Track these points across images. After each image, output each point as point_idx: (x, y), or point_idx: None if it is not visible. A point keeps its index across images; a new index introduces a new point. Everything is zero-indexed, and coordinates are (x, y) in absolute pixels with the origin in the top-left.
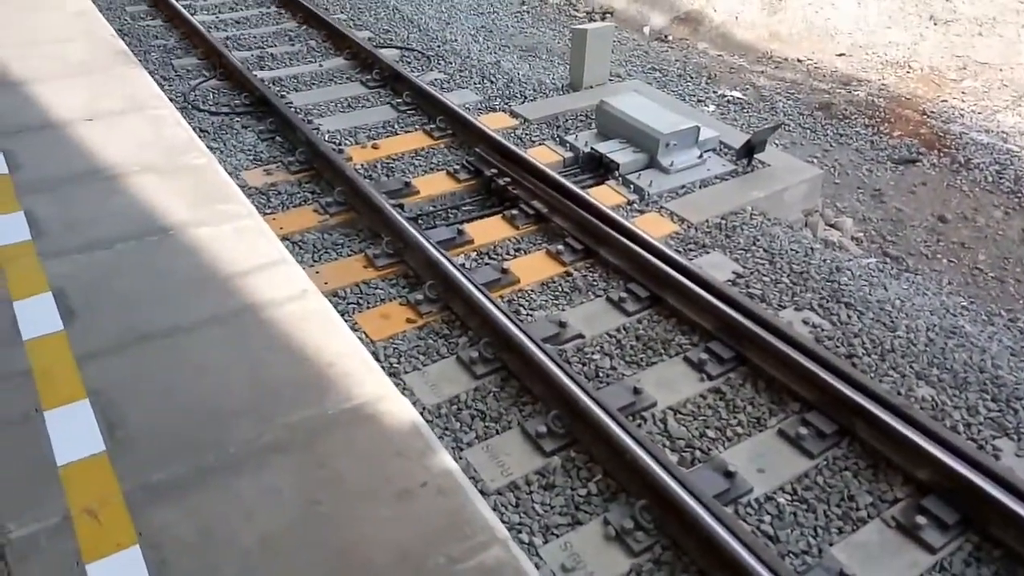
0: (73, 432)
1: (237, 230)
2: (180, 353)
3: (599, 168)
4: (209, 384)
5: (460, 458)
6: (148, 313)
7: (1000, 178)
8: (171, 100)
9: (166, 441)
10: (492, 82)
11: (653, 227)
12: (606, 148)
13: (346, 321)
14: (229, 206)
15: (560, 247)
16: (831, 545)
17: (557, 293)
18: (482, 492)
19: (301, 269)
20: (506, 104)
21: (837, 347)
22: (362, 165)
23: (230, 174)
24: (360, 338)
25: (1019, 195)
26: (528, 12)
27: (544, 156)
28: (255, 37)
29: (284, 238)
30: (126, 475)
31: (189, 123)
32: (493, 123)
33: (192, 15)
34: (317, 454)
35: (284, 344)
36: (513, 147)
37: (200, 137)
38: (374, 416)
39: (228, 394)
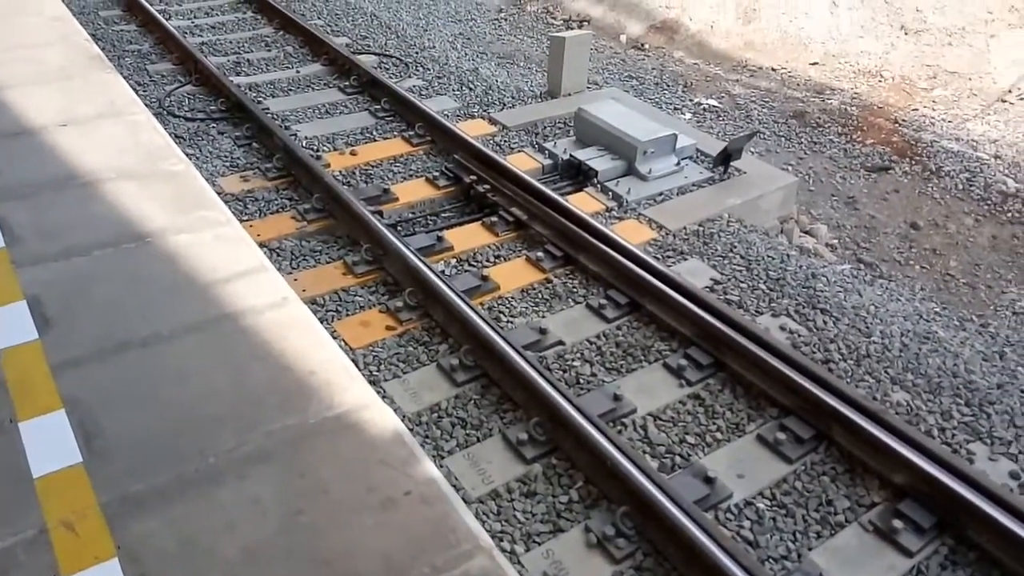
0: (49, 443)
1: (216, 237)
2: (159, 361)
3: (578, 175)
4: (189, 393)
5: (441, 466)
6: (126, 321)
7: (970, 186)
8: (147, 105)
9: (145, 451)
10: (470, 89)
11: (632, 234)
12: (584, 155)
13: (325, 329)
14: (208, 213)
15: (540, 254)
16: (810, 550)
17: (537, 300)
18: (463, 500)
19: (281, 277)
20: (484, 111)
21: (813, 352)
22: (340, 172)
23: (207, 180)
24: (339, 346)
25: (989, 202)
26: (506, 19)
27: (523, 163)
28: (231, 42)
29: (262, 245)
30: (104, 486)
31: (164, 129)
32: (472, 130)
33: (167, 20)
34: (300, 463)
35: (265, 352)
36: (492, 154)
37: (176, 143)
38: (357, 424)
39: (208, 403)
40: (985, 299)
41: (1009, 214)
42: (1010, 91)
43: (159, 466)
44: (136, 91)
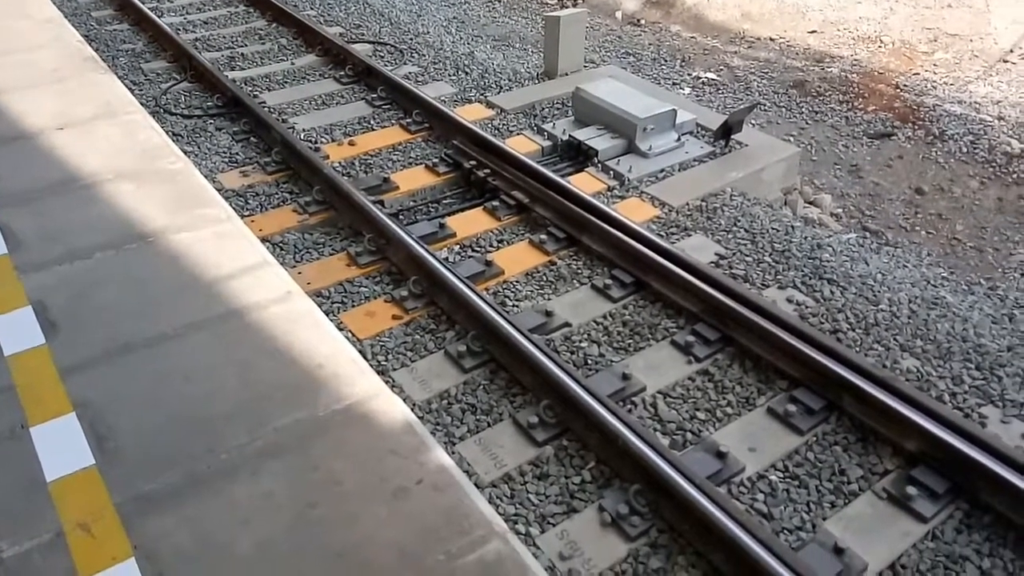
0: (61, 447)
1: (217, 234)
2: (166, 361)
3: (578, 155)
4: (198, 391)
5: (453, 452)
6: (131, 322)
7: (974, 148)
8: (142, 105)
9: (157, 450)
10: (467, 73)
11: (634, 212)
12: (584, 135)
13: (331, 320)
14: (208, 210)
15: (543, 236)
16: (824, 520)
17: (542, 283)
18: (476, 486)
19: (284, 271)
20: (482, 95)
21: (822, 323)
22: (340, 163)
23: (206, 177)
24: (346, 337)
25: (994, 164)
26: (500, 1)
27: (522, 146)
28: (224, 37)
29: (264, 240)
30: (117, 487)
31: (162, 127)
32: (470, 115)
33: (159, 17)
34: (311, 456)
35: (272, 347)
36: (491, 138)
37: (174, 141)
38: (366, 415)
39: (218, 400)
40: (993, 262)
41: (1014, 175)
42: (1012, 51)
43: (171, 465)
44: (132, 90)
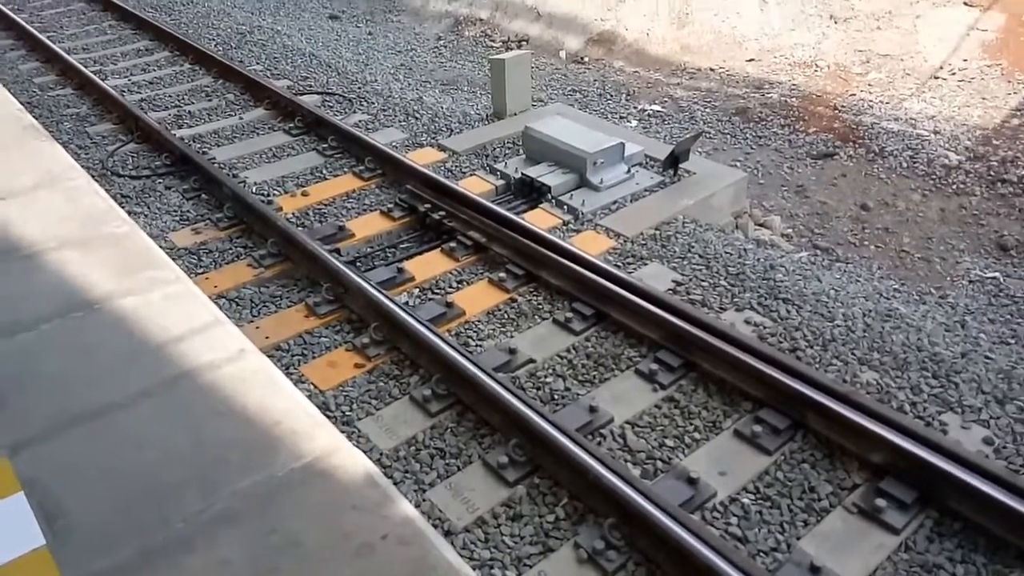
0: (10, 528)
1: (165, 296)
2: (117, 431)
3: (531, 193)
4: (151, 459)
5: (424, 500)
6: (80, 393)
7: (914, 163)
8: (89, 168)
9: (109, 525)
10: (416, 118)
11: (590, 245)
12: (536, 172)
13: (292, 373)
14: (155, 272)
15: (502, 274)
16: (799, 539)
17: (504, 320)
18: (449, 532)
19: (237, 329)
20: (433, 139)
21: (780, 342)
22: (293, 214)
23: (157, 237)
24: (308, 389)
25: (933, 177)
26: (445, 46)
27: (476, 186)
28: (171, 96)
29: (220, 296)
30: (69, 567)
31: (109, 190)
32: (422, 159)
33: (103, 80)
34: (270, 519)
35: (226, 408)
36: (444, 180)
37: (122, 203)
38: (326, 471)
39: (171, 467)
40: (941, 271)
41: (954, 186)
42: (941, 67)
43: (125, 539)
44: (77, 154)
